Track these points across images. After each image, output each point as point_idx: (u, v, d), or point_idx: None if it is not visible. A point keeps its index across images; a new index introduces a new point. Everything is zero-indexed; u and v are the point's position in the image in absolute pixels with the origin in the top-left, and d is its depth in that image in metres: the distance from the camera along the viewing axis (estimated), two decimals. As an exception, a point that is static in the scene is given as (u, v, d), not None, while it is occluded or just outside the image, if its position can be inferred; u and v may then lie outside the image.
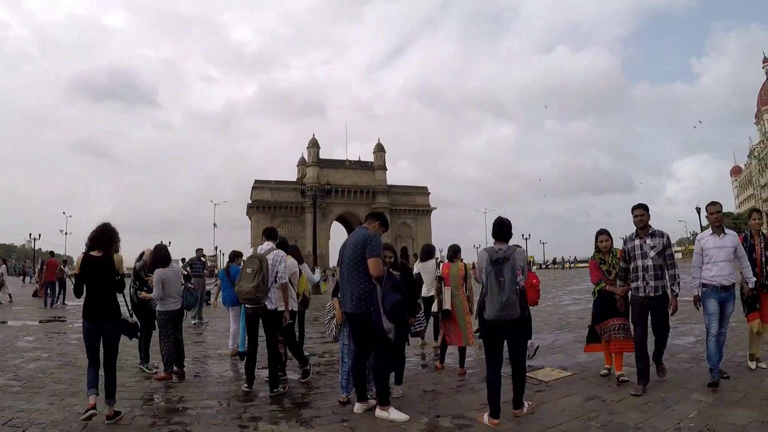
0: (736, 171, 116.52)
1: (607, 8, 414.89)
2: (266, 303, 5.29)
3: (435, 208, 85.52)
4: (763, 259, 5.36)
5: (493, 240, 4.49)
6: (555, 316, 11.89)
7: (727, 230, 5.18)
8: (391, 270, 4.79)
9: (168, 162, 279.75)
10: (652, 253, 4.86)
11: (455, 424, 4.16)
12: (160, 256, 6.22)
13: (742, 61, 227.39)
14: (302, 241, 75.13)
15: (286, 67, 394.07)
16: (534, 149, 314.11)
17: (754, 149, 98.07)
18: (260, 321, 5.48)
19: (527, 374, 5.24)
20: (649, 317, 5.00)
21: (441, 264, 7.04)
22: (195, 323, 11.67)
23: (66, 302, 16.65)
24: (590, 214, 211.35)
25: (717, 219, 5.22)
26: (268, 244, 5.69)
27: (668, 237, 5.02)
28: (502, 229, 4.44)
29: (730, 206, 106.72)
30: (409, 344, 6.02)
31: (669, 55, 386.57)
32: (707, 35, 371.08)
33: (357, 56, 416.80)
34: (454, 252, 7.22)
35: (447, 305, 6.25)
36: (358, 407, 4.52)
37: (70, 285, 15.32)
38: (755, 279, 5.30)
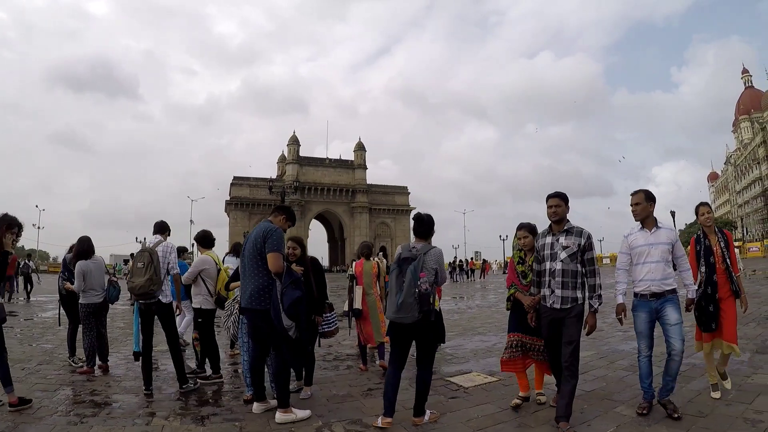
0: (713, 177, 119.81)
1: (591, 17, 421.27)
2: (160, 297, 5.19)
3: (414, 208, 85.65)
4: (727, 261, 4.42)
5: (414, 237, 4.26)
6: (505, 317, 11.83)
7: (661, 224, 4.14)
8: (292, 266, 4.76)
9: (148, 156, 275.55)
10: (563, 255, 3.89)
11: (347, 430, 4.02)
12: (82, 248, 6.21)
13: (721, 72, 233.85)
14: (281, 238, 74.92)
15: (269, 63, 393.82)
16: (515, 152, 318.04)
17: (730, 156, 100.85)
18: (156, 317, 5.36)
19: (448, 378, 5.33)
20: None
21: (354, 262, 6.95)
22: None
23: (33, 297, 16.48)
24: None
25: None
26: (156, 238, 5.53)
27: (589, 237, 3.95)
28: (421, 226, 4.22)
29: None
30: (320, 345, 6.03)
31: (650, 65, 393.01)
32: (687, 46, 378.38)
33: (341, 55, 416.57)
34: (368, 249, 7.05)
35: (357, 304, 6.22)
36: (256, 407, 4.42)
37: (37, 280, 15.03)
38: (698, 288, 4.38)
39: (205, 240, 6.11)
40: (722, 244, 4.48)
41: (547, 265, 3.99)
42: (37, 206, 67.92)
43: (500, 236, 68.44)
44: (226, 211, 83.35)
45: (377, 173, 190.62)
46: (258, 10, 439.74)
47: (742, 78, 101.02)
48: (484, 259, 47.16)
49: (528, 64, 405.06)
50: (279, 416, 4.12)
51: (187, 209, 77.82)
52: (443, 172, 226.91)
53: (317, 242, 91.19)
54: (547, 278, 3.99)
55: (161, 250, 5.35)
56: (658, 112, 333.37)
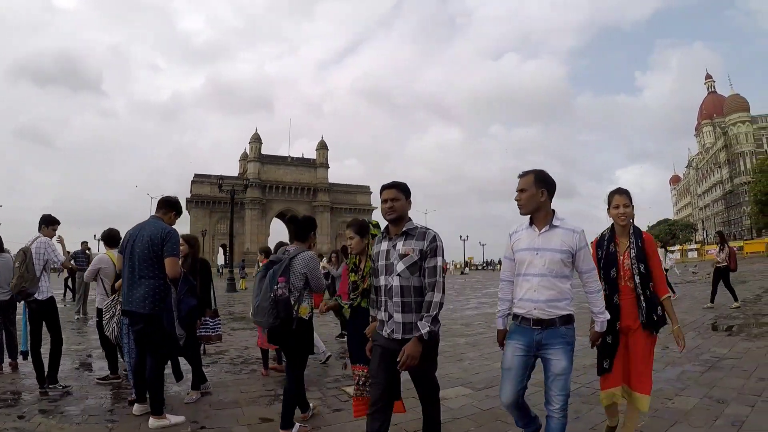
0: (675, 180, 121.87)
1: (558, 20, 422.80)
2: (36, 294, 5.05)
3: (376, 208, 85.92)
4: (637, 279, 3.11)
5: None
6: (446, 322, 10.45)
7: (560, 221, 2.76)
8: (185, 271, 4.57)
9: (112, 152, 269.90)
10: (400, 267, 2.79)
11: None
12: None
13: (684, 77, 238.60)
14: (240, 237, 74.74)
15: (235, 60, 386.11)
16: (480, 153, 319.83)
17: (692, 160, 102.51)
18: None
19: (344, 388, 5.03)
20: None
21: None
22: (78, 318, 11.12)
23: None
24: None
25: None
26: (35, 235, 5.34)
27: (435, 239, 2.81)
28: (296, 227, 3.94)
29: (668, 213, 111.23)
30: (204, 352, 5.96)
31: (615, 69, 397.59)
32: (652, 51, 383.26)
33: (308, 53, 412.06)
34: (266, 252, 6.84)
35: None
36: (136, 408, 4.27)
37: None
38: (609, 316, 2.90)
39: (110, 239, 5.82)
40: (633, 253, 3.15)
41: (381, 280, 2.89)
42: (-8, 202, 66.89)
43: (460, 236, 68.89)
44: (187, 208, 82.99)
45: (342, 172, 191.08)
46: (226, 6, 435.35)
47: (705, 83, 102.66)
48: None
49: (494, 66, 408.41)
50: (152, 422, 3.96)
51: (152, 206, 77.12)
52: (409, 172, 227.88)
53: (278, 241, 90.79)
54: (383, 297, 2.88)
55: (35, 246, 5.20)
56: (622, 115, 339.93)
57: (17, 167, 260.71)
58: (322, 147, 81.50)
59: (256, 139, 77.50)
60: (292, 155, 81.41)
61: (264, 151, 79.11)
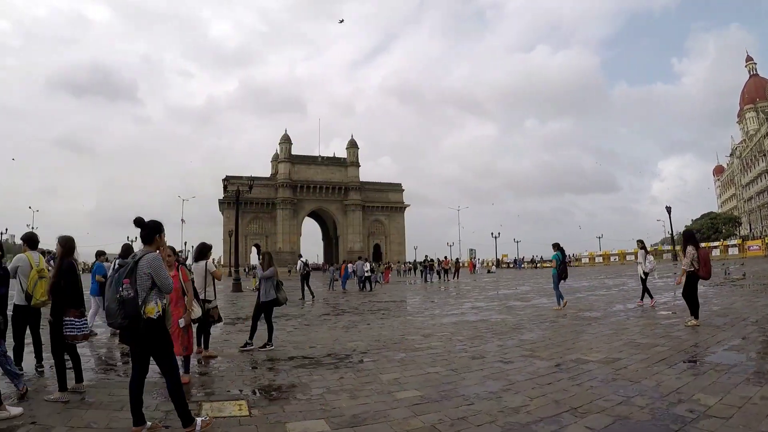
0: (718, 170, 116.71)
1: (587, 9, 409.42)
2: None
3: (408, 205, 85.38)
4: None
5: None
6: (409, 330, 9.56)
7: None
8: None
9: (149, 157, 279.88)
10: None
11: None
12: None
13: (722, 61, 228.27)
14: (273, 237, 75.22)
15: (266, 64, 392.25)
16: (514, 148, 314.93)
17: (736, 148, 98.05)
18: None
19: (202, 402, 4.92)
20: None
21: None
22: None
23: None
24: (574, 213, 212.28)
25: None
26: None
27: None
28: (142, 230, 4.00)
29: (713, 206, 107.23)
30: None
31: (649, 56, 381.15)
32: (687, 36, 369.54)
33: (337, 54, 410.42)
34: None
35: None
36: None
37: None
38: None
39: (30, 241, 6.12)
40: None
41: None
42: (30, 207, 69.35)
43: (492, 234, 67.72)
44: (220, 209, 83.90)
45: (375, 171, 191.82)
46: (251, 12, 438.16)
47: (746, 66, 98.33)
48: (456, 258, 46.11)
49: (524, 59, 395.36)
50: None
51: (187, 208, 78.42)
52: (442, 169, 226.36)
53: (312, 241, 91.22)
54: None
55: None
56: (660, 104, 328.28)
57: (60, 174, 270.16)
58: (353, 146, 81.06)
59: (286, 140, 77.58)
60: (322, 155, 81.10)
61: (296, 152, 79.11)
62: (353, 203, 78.78)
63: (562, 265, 11.87)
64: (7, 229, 59.89)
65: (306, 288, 19.32)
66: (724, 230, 75.68)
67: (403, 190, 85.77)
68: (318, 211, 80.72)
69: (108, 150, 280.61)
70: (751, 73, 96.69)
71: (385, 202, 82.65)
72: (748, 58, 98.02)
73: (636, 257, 13.93)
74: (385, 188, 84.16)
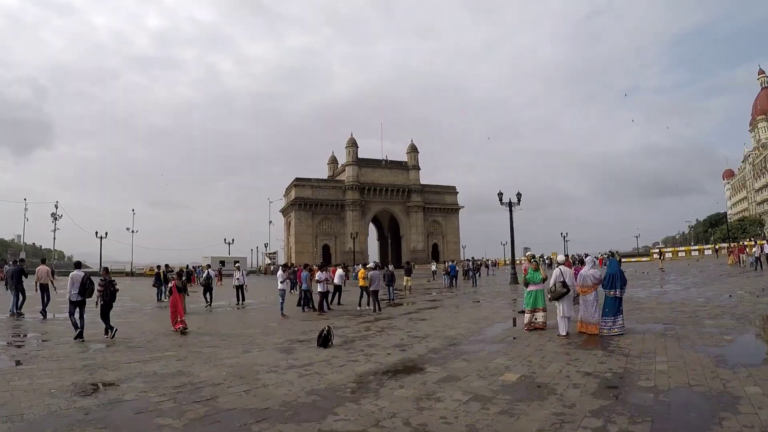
0: (728, 174, 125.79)
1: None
2: None
3: (463, 207, 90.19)
4: None
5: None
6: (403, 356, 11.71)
7: None
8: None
9: None
10: None
11: None
12: None
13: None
14: (342, 237, 78.79)
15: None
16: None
17: (749, 155, 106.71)
18: None
19: None
20: None
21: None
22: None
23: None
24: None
25: None
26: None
27: None
28: None
29: (722, 207, 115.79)
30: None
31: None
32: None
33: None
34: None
35: None
36: None
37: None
38: None
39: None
40: None
41: None
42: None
43: (561, 233, 72.33)
44: (282, 211, 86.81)
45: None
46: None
47: (758, 78, 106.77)
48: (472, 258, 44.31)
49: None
50: None
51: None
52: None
53: (375, 243, 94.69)
54: None
55: None
56: None
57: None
58: (413, 150, 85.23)
59: (353, 144, 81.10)
60: (385, 158, 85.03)
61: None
62: (415, 205, 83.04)
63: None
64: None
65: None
66: (750, 230, 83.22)
67: (458, 193, 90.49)
68: (383, 213, 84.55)
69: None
70: (763, 85, 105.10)
71: (442, 204, 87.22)
72: (761, 71, 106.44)
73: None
74: (441, 191, 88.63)
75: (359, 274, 17.13)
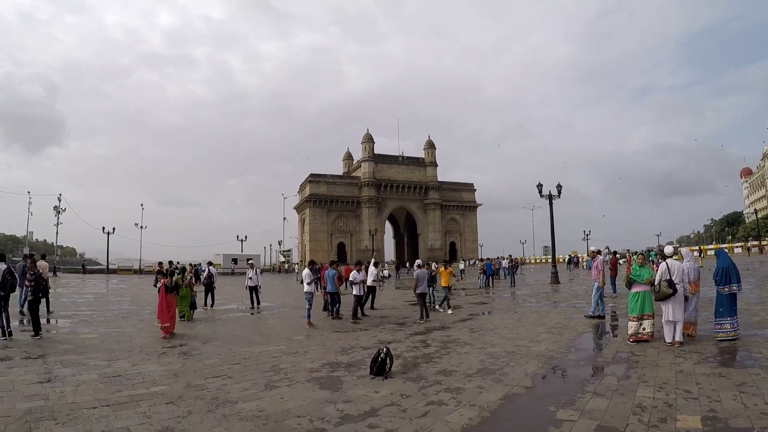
0: (746, 173, 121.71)
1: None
2: None
3: (481, 204, 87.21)
4: None
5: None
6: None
7: None
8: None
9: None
10: None
11: None
12: None
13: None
14: (358, 234, 76.20)
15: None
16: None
17: None
18: None
19: None
20: None
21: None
22: None
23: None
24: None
25: None
26: None
27: None
28: None
29: (735, 206, 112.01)
30: None
31: None
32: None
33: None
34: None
35: None
36: None
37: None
38: None
39: None
40: None
41: None
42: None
43: (584, 231, 69.27)
44: (296, 207, 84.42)
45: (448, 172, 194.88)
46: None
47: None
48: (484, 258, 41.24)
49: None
50: None
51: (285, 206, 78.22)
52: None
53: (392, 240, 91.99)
54: None
55: None
56: None
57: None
58: (430, 146, 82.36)
59: (369, 139, 78.45)
60: (402, 154, 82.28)
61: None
62: (432, 202, 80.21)
63: None
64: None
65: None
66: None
67: (475, 190, 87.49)
68: (399, 210, 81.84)
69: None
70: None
71: (459, 201, 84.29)
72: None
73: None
74: (459, 188, 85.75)
75: (439, 272, 14.56)
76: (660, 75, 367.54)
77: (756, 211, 78.02)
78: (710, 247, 60.76)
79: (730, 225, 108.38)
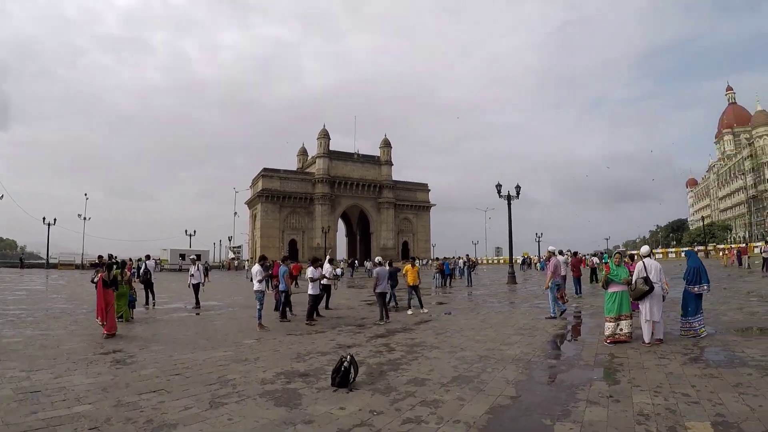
0: (691, 183, 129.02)
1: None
2: None
3: (434, 205, 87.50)
4: None
5: None
6: None
7: None
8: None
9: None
10: None
11: None
12: None
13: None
14: (310, 231, 74.67)
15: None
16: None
17: (713, 165, 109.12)
18: None
19: None
20: None
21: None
22: None
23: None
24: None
25: None
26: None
27: None
28: None
29: (680, 213, 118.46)
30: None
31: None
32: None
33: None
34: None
35: None
36: None
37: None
38: None
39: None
40: None
41: None
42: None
43: (536, 234, 70.44)
44: (247, 203, 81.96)
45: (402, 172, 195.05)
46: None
47: (726, 95, 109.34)
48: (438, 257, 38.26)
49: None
50: None
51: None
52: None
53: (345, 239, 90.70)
54: None
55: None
56: None
57: None
58: (386, 145, 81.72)
59: (325, 135, 76.92)
60: (357, 151, 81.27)
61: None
62: (386, 201, 79.69)
63: None
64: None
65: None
66: (718, 235, 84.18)
67: (429, 190, 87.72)
68: (353, 208, 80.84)
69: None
70: (730, 101, 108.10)
71: (413, 201, 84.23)
72: (728, 88, 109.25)
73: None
74: (413, 188, 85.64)
75: (406, 270, 13.75)
76: (615, 87, 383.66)
77: (703, 218, 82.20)
78: (658, 251, 63.61)
79: (675, 231, 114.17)
